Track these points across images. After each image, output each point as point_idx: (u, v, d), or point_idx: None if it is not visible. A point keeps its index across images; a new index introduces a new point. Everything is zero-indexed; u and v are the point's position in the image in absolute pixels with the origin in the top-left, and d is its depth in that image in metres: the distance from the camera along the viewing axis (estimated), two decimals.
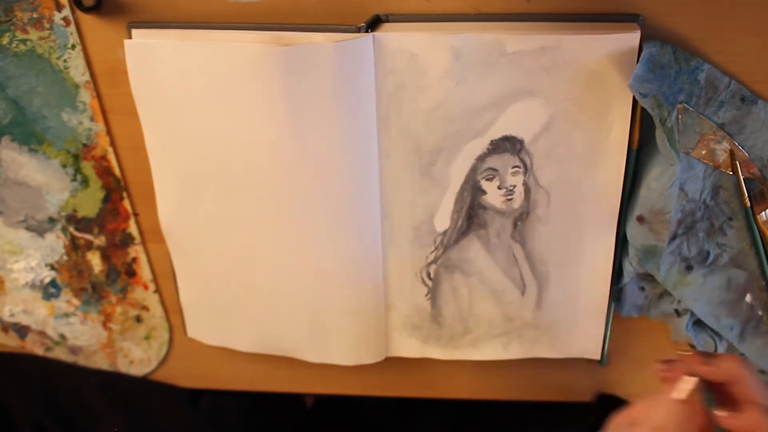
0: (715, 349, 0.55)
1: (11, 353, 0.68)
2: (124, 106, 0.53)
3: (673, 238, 0.51)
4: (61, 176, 0.57)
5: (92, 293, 0.63)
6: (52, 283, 0.62)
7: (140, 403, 0.67)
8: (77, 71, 0.52)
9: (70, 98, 0.53)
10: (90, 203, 0.58)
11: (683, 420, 0.40)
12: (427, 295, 0.56)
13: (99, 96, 0.53)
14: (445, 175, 0.51)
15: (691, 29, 0.46)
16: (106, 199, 0.58)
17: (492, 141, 0.49)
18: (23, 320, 0.65)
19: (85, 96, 0.53)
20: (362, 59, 0.46)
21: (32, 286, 0.63)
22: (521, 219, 0.52)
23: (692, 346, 0.40)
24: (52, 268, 0.62)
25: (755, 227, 0.50)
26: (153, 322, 0.64)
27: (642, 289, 0.54)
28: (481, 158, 0.50)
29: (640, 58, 0.44)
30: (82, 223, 0.59)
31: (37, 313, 0.64)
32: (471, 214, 0.52)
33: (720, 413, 0.39)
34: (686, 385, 0.41)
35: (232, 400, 0.70)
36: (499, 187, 0.51)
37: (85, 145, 0.55)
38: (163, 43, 0.48)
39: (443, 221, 0.53)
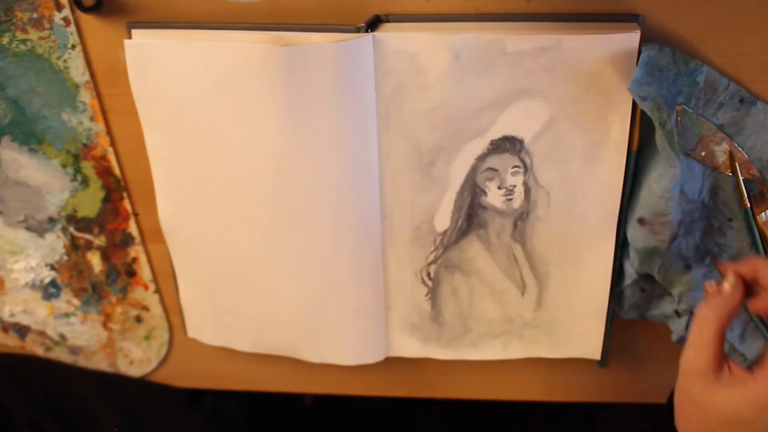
0: None
1: (11, 354, 0.68)
2: (124, 106, 0.53)
3: (674, 238, 0.51)
4: (61, 176, 0.57)
5: (92, 293, 0.63)
6: (52, 283, 0.62)
7: (140, 403, 0.67)
8: (77, 71, 0.52)
9: (70, 98, 0.53)
10: (90, 203, 0.58)
11: (722, 310, 0.43)
12: (427, 295, 0.56)
13: (99, 96, 0.53)
14: (445, 175, 0.51)
15: (691, 29, 0.46)
16: (106, 199, 0.58)
17: (492, 141, 0.49)
18: (23, 320, 0.65)
19: (85, 96, 0.53)
20: (362, 59, 0.46)
21: (32, 286, 0.63)
22: (521, 219, 0.52)
23: None
24: (52, 268, 0.62)
25: (755, 228, 0.50)
26: (153, 322, 0.64)
27: (642, 290, 0.54)
28: (481, 158, 0.50)
29: (639, 61, 0.44)
30: (82, 223, 0.59)
31: (37, 313, 0.64)
32: (471, 214, 0.52)
33: (753, 302, 0.44)
34: (728, 281, 0.44)
35: (232, 400, 0.70)
36: (499, 187, 0.51)
37: (85, 145, 0.55)
38: (163, 43, 0.48)
39: (443, 221, 0.53)
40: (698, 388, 0.44)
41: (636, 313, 0.55)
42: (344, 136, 0.49)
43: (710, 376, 0.43)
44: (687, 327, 0.54)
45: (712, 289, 0.45)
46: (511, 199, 0.52)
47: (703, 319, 0.44)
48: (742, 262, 0.44)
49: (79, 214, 0.58)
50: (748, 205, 0.49)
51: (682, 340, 0.54)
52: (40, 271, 0.62)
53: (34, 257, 0.61)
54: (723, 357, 0.44)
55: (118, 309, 0.63)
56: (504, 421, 0.72)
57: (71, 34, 0.51)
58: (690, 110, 0.47)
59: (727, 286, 0.44)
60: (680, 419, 0.48)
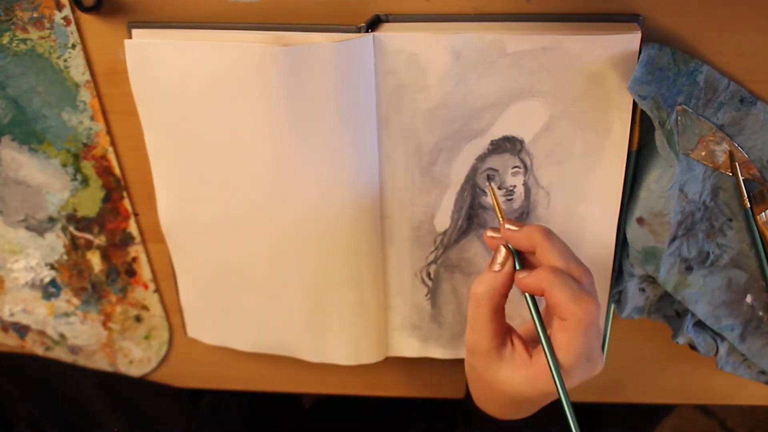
0: (717, 350, 0.55)
1: (11, 353, 0.68)
2: (125, 105, 0.53)
3: (673, 239, 0.51)
4: (61, 176, 0.57)
5: (92, 293, 0.63)
6: (52, 282, 0.62)
7: (140, 403, 0.67)
8: (77, 71, 0.52)
9: (70, 98, 0.53)
10: (90, 203, 0.58)
11: (494, 288, 0.43)
12: (427, 295, 0.56)
13: (99, 96, 0.53)
14: (446, 175, 0.51)
15: (691, 29, 0.46)
16: (106, 199, 0.58)
17: (492, 141, 0.49)
18: (23, 320, 0.65)
19: (86, 95, 0.53)
20: (362, 59, 0.46)
21: (32, 285, 0.63)
22: (521, 219, 0.52)
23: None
24: (52, 267, 0.62)
25: (755, 228, 0.50)
26: (153, 322, 0.64)
27: (642, 290, 0.54)
28: (482, 158, 0.50)
29: (639, 60, 0.44)
30: (82, 223, 0.59)
31: (36, 312, 0.64)
32: (471, 214, 0.52)
33: (517, 274, 0.43)
34: (499, 255, 0.44)
35: (231, 401, 0.70)
36: (499, 188, 0.51)
37: (85, 144, 0.55)
38: (164, 43, 0.48)
39: (443, 221, 0.53)
40: (482, 366, 0.44)
41: (637, 314, 0.55)
42: (344, 136, 0.49)
43: (492, 353, 0.43)
44: (687, 327, 0.54)
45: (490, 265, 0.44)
46: (511, 200, 0.52)
47: (476, 298, 0.44)
48: (520, 231, 0.43)
49: (79, 214, 0.58)
50: (748, 205, 0.49)
51: (682, 341, 0.54)
52: (39, 271, 0.62)
53: (34, 257, 0.61)
54: (505, 333, 0.44)
55: (118, 309, 0.63)
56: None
57: (71, 33, 0.51)
58: (690, 110, 0.47)
59: (496, 265, 0.44)
60: (473, 391, 0.49)
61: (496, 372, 0.44)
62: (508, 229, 0.44)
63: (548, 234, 0.42)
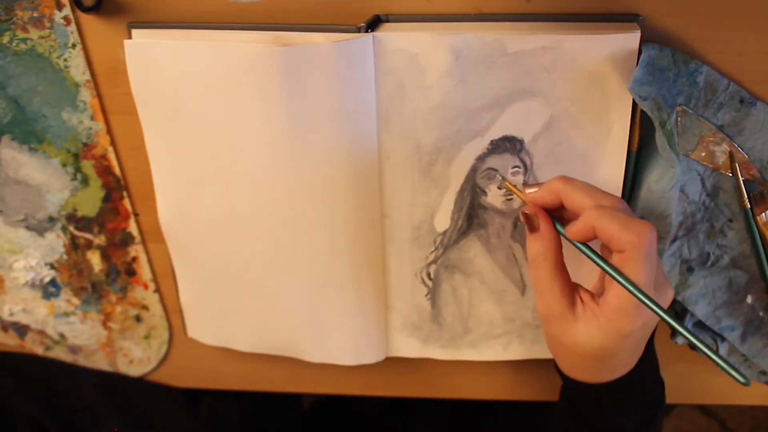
0: (716, 351, 0.55)
1: (11, 352, 0.68)
2: (125, 105, 0.53)
3: (674, 240, 0.51)
4: (61, 175, 0.57)
5: (92, 292, 0.63)
6: (52, 282, 0.62)
7: (140, 403, 0.67)
8: (77, 70, 0.52)
9: (70, 97, 0.53)
10: (90, 202, 0.58)
11: (545, 244, 0.43)
12: (427, 295, 0.56)
13: (99, 95, 0.53)
14: (445, 175, 0.51)
15: (691, 29, 0.46)
16: (106, 199, 0.58)
17: (492, 141, 0.49)
18: (23, 319, 0.65)
19: (86, 95, 0.53)
20: (362, 59, 0.46)
21: (32, 285, 0.63)
22: None
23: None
24: (52, 267, 0.62)
25: (755, 229, 0.50)
26: (153, 322, 0.64)
27: None
28: (481, 158, 0.50)
29: (640, 61, 0.44)
30: (82, 223, 0.59)
31: (36, 312, 0.64)
32: (471, 214, 0.52)
33: (567, 230, 0.43)
34: (533, 218, 0.44)
35: (231, 400, 0.70)
36: (499, 188, 0.51)
37: (85, 144, 0.55)
38: (163, 43, 0.48)
39: (443, 221, 0.53)
40: (560, 332, 0.44)
41: None
42: (344, 136, 0.49)
43: (566, 315, 0.43)
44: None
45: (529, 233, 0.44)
46: (511, 200, 0.52)
47: (532, 259, 0.43)
48: (542, 191, 0.43)
49: (79, 214, 0.58)
50: (749, 206, 0.49)
51: (681, 341, 0.54)
52: (39, 270, 0.62)
53: (34, 256, 0.61)
54: (572, 291, 0.44)
55: (118, 308, 0.63)
56: (504, 421, 0.72)
57: (72, 33, 0.51)
58: (690, 111, 0.47)
59: (534, 227, 0.43)
60: (559, 362, 0.48)
61: (573, 334, 0.43)
62: (531, 192, 0.44)
63: (567, 180, 0.42)
